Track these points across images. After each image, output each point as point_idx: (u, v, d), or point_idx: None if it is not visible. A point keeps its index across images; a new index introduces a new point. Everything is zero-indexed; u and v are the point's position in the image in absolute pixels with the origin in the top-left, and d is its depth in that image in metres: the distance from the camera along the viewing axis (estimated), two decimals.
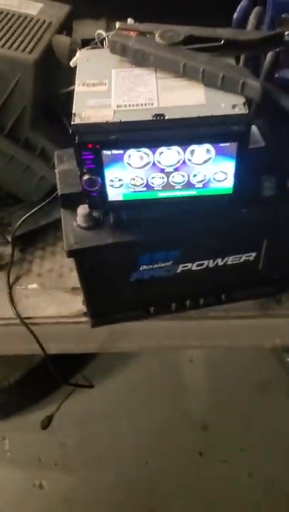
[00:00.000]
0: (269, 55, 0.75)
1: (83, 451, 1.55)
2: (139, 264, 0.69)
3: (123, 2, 1.14)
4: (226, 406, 1.61)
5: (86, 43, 0.80)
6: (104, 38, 0.70)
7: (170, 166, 0.59)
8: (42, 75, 0.75)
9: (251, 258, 0.72)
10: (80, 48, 0.70)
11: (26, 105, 0.75)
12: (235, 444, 1.54)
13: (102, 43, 0.73)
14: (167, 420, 1.59)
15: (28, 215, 0.80)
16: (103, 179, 0.60)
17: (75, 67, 0.72)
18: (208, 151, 0.57)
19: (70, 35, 0.84)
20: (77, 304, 0.81)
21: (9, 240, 0.87)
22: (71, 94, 0.77)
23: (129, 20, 0.71)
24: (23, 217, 0.81)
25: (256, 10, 0.75)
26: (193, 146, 0.57)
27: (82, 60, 0.66)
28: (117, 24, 0.73)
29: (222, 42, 0.63)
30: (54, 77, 0.78)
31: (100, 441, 1.56)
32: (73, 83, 0.77)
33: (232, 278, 0.75)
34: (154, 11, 0.80)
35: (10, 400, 1.57)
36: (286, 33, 0.70)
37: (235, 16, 0.76)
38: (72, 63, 0.70)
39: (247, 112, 0.57)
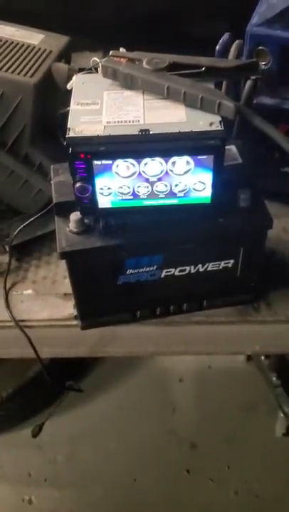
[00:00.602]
0: (248, 83, 0.83)
1: (73, 467, 1.57)
2: (126, 268, 0.74)
3: (118, 36, 1.24)
4: (213, 425, 1.64)
5: (83, 70, 0.88)
6: (98, 64, 0.78)
7: (154, 175, 0.66)
8: (41, 97, 0.82)
9: (230, 265, 0.78)
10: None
11: (26, 124, 0.83)
12: (222, 462, 1.57)
13: (96, 69, 0.81)
14: (156, 438, 1.62)
15: (24, 224, 0.86)
16: (94, 187, 0.67)
17: (72, 89, 0.80)
18: (187, 162, 0.64)
19: (69, 64, 0.92)
20: (68, 308, 0.86)
21: (7, 249, 0.93)
22: (67, 114, 0.85)
23: (121, 49, 0.79)
24: (20, 227, 0.87)
25: (237, 43, 0.84)
26: (174, 158, 0.64)
27: (77, 83, 0.74)
28: (111, 52, 0.81)
29: (203, 69, 0.71)
30: (52, 100, 0.85)
31: (89, 458, 1.59)
32: (70, 105, 0.85)
33: (213, 284, 0.80)
34: (147, 46, 0.88)
35: (1, 414, 1.59)
36: (262, 63, 0.79)
37: (217, 47, 0.84)
38: (68, 86, 0.78)
39: (222, 128, 0.64)
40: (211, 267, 0.77)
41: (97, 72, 0.80)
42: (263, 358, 1.60)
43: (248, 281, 0.82)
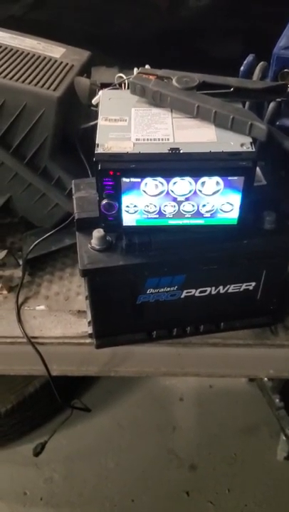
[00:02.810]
0: (271, 105, 0.83)
1: (70, 486, 1.54)
2: (147, 288, 0.73)
3: (133, 53, 1.24)
4: (214, 446, 1.61)
5: (105, 86, 0.87)
6: (124, 81, 0.77)
7: (182, 195, 0.64)
8: (63, 111, 0.81)
9: (251, 288, 0.77)
10: (100, 89, 0.77)
11: (47, 137, 0.82)
12: (222, 485, 1.54)
13: (120, 85, 0.80)
14: (155, 458, 1.59)
15: (41, 239, 0.84)
16: (120, 204, 0.65)
17: (95, 105, 0.79)
18: (217, 183, 0.63)
19: (89, 78, 0.91)
20: (82, 326, 0.84)
21: (20, 262, 0.91)
22: (88, 130, 0.84)
23: (147, 66, 0.78)
24: (36, 242, 0.85)
25: (261, 64, 0.83)
26: (204, 178, 0.63)
27: (104, 98, 0.73)
28: (135, 70, 0.80)
29: (232, 89, 0.70)
30: (74, 114, 0.84)
31: (87, 478, 1.55)
32: (91, 120, 0.84)
33: (231, 306, 0.79)
34: (160, 63, 0.88)
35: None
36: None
37: (242, 68, 0.84)
38: (94, 101, 0.77)
39: (253, 150, 0.63)
40: (232, 288, 0.76)
41: (121, 88, 0.80)
42: (266, 378, 1.58)
43: (267, 304, 0.80)
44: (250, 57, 0.85)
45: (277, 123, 0.85)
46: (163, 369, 0.90)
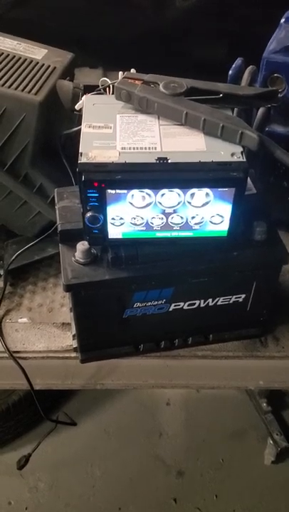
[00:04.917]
0: (260, 110, 0.80)
1: (55, 496, 1.51)
2: (134, 302, 0.70)
3: (116, 54, 1.21)
4: (201, 451, 1.60)
5: (89, 88, 0.84)
6: (109, 85, 0.74)
7: (170, 207, 0.62)
8: (45, 116, 0.78)
9: (240, 299, 0.75)
10: (86, 93, 0.74)
11: (28, 143, 0.78)
12: (209, 491, 1.52)
13: (105, 90, 0.77)
14: (142, 465, 1.57)
15: (24, 249, 0.81)
16: (105, 217, 0.62)
17: (78, 110, 0.76)
18: (207, 194, 0.61)
19: (72, 81, 0.88)
20: (66, 339, 0.81)
21: (1, 273, 0.88)
22: (71, 135, 0.81)
23: (132, 70, 0.75)
24: (19, 252, 0.82)
25: (250, 68, 0.81)
26: (193, 190, 0.60)
27: (88, 104, 0.70)
28: (120, 73, 0.77)
29: (221, 95, 0.68)
30: (56, 119, 0.81)
31: (73, 487, 1.52)
32: (75, 125, 0.81)
33: (221, 318, 0.77)
34: (145, 65, 0.85)
35: None
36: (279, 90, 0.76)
37: (230, 72, 0.81)
38: (77, 106, 0.74)
39: (244, 160, 0.61)
40: (221, 301, 0.74)
41: (106, 92, 0.77)
42: None
43: (257, 316, 0.78)
44: (238, 61, 0.83)
45: (267, 129, 0.83)
46: (151, 381, 0.87)
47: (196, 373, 0.86)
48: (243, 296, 0.74)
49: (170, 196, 0.60)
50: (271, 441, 1.55)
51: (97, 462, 1.56)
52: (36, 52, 0.87)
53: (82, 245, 0.66)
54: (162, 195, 0.60)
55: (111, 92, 0.74)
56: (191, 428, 1.65)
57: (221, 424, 1.64)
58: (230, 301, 0.74)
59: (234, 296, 0.74)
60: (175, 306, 0.73)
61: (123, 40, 1.18)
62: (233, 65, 0.82)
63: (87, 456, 1.57)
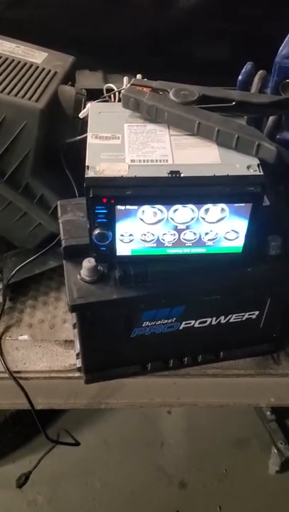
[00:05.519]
0: (272, 118, 0.77)
1: (54, 510, 1.47)
2: (142, 321, 0.66)
3: (117, 55, 1.17)
4: (204, 461, 1.56)
5: (91, 92, 0.80)
6: (115, 92, 0.70)
7: (183, 223, 0.58)
8: (47, 124, 0.74)
9: (254, 316, 0.71)
10: (91, 101, 0.70)
11: (29, 152, 0.74)
12: (213, 502, 1.49)
13: (109, 96, 0.74)
14: (143, 476, 1.53)
15: (25, 263, 0.77)
16: (114, 233, 0.58)
17: (82, 118, 0.72)
18: (222, 210, 0.57)
19: (74, 85, 0.84)
20: (69, 357, 0.77)
21: (0, 287, 0.84)
22: (74, 144, 0.77)
23: (138, 76, 0.72)
24: (19, 267, 0.78)
25: (260, 73, 0.77)
26: (208, 205, 0.56)
27: (93, 112, 0.66)
28: (125, 79, 0.74)
29: (233, 103, 0.64)
30: (58, 126, 0.77)
31: (73, 499, 1.48)
32: (78, 133, 0.77)
33: (232, 335, 0.73)
34: (148, 67, 0.81)
35: None
36: None
37: (239, 78, 0.77)
38: (81, 115, 0.70)
39: (262, 173, 0.57)
40: (234, 318, 0.70)
41: (110, 99, 0.73)
42: None
43: (270, 332, 0.75)
44: (248, 66, 0.79)
45: (278, 136, 0.79)
46: (158, 400, 0.83)
47: (205, 391, 0.82)
48: (257, 312, 0.71)
49: (183, 212, 0.57)
50: (275, 451, 1.52)
51: (97, 474, 1.52)
52: (36, 55, 0.83)
53: (88, 262, 0.62)
54: (175, 210, 0.57)
55: (116, 99, 0.71)
56: (193, 437, 1.62)
57: (224, 433, 1.61)
58: (243, 318, 0.71)
59: (247, 313, 0.70)
60: (186, 324, 0.69)
61: (123, 41, 1.14)
62: (243, 70, 0.78)
63: (87, 468, 1.53)
